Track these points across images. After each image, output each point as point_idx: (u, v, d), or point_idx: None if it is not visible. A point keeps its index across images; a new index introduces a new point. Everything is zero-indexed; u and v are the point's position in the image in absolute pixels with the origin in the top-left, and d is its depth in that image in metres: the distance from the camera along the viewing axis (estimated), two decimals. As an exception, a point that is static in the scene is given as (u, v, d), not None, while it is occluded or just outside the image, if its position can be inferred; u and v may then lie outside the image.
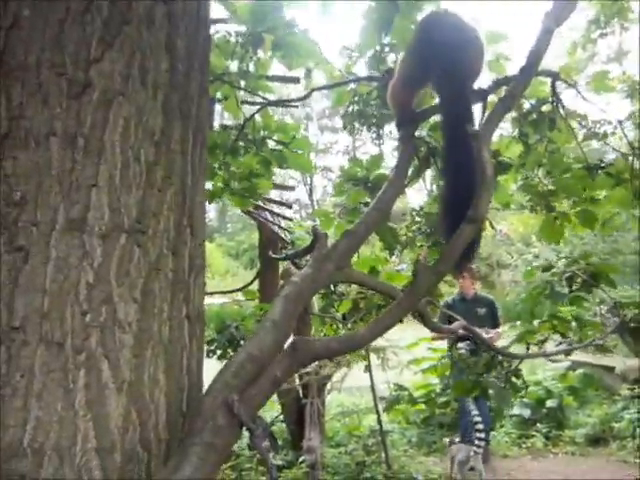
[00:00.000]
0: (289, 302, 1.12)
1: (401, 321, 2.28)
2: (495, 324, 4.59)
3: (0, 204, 0.91)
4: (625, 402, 5.56)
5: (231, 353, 2.45)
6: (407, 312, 1.22)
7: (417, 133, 2.04)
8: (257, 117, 2.16)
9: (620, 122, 2.17)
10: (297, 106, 2.35)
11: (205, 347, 2.50)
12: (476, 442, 3.96)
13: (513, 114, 2.14)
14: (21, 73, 0.94)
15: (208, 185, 2.26)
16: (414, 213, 2.15)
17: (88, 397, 0.89)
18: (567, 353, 2.69)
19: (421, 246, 2.14)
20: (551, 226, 2.24)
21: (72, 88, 0.95)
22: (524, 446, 4.98)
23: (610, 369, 6.22)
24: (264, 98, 2.19)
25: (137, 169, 1.02)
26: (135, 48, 1.01)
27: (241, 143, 2.14)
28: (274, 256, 3.52)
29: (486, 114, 1.46)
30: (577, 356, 5.61)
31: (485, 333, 4.05)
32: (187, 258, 1.13)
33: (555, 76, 1.87)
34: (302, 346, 1.05)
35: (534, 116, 2.07)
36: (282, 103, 2.22)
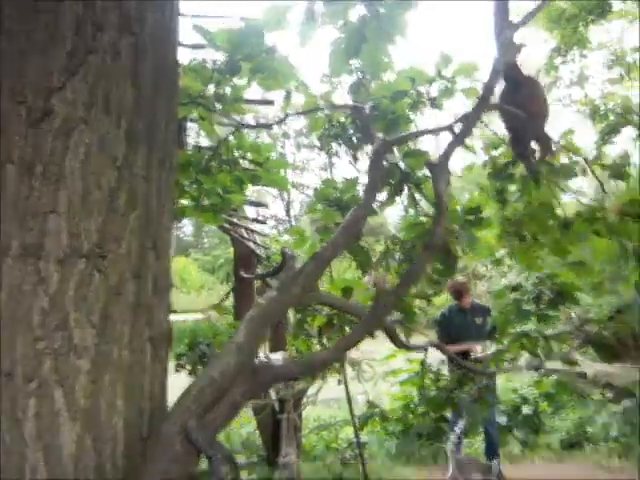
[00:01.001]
0: (253, 325, 1.13)
1: (372, 336, 2.32)
2: (492, 332, 4.54)
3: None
4: (597, 406, 5.68)
5: (201, 369, 2.44)
6: (369, 331, 1.25)
7: (392, 159, 2.09)
8: (231, 137, 2.17)
9: (586, 160, 2.21)
10: (271, 128, 2.37)
11: (174, 362, 2.47)
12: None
13: (489, 170, 2.22)
14: (-21, 102, 0.95)
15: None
16: (389, 241, 2.19)
17: (39, 427, 0.87)
18: (536, 368, 2.77)
19: (397, 272, 2.18)
20: (525, 252, 2.28)
21: (31, 116, 0.95)
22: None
23: (582, 375, 6.35)
24: (237, 120, 2.21)
25: (98, 195, 1.02)
26: (99, 77, 1.02)
27: (214, 163, 2.15)
28: (245, 275, 3.52)
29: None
30: (550, 363, 5.69)
31: (480, 349, 4.01)
32: (151, 280, 1.13)
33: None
34: (262, 370, 1.06)
35: (509, 172, 2.13)
36: (257, 126, 2.24)
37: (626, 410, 5.39)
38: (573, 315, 2.38)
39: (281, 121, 2.06)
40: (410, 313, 2.20)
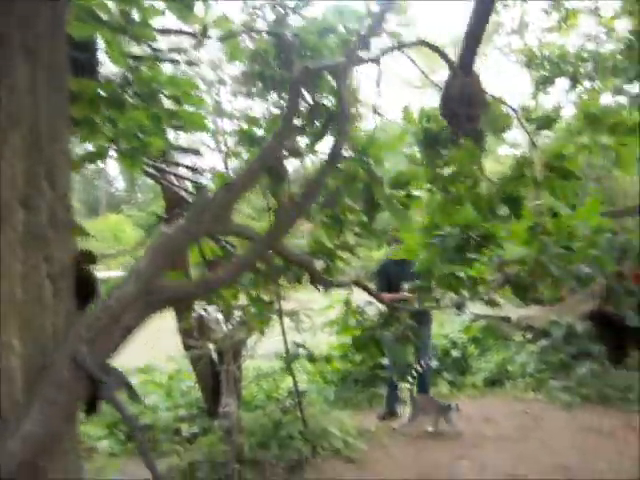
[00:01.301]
0: (157, 253, 1.08)
1: (299, 282, 2.31)
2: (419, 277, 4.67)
3: None
4: (517, 347, 6.28)
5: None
6: (265, 250, 1.23)
7: (318, 98, 2.01)
8: (146, 70, 2.01)
9: (515, 111, 2.22)
10: (176, 61, 2.20)
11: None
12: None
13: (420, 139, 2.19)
14: None
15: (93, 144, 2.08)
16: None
17: None
18: (458, 306, 2.92)
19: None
20: (445, 207, 2.28)
21: None
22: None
23: (506, 319, 6.90)
24: (153, 49, 2.05)
25: (-33, 107, 0.90)
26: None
27: (129, 98, 1.99)
28: (164, 216, 3.40)
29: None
30: (478, 309, 6.16)
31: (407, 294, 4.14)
32: (45, 212, 1.04)
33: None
34: (156, 290, 1.03)
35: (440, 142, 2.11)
36: (170, 60, 2.08)
37: (542, 349, 5.97)
38: (494, 258, 2.48)
39: (184, 50, 1.92)
40: (333, 257, 2.21)
